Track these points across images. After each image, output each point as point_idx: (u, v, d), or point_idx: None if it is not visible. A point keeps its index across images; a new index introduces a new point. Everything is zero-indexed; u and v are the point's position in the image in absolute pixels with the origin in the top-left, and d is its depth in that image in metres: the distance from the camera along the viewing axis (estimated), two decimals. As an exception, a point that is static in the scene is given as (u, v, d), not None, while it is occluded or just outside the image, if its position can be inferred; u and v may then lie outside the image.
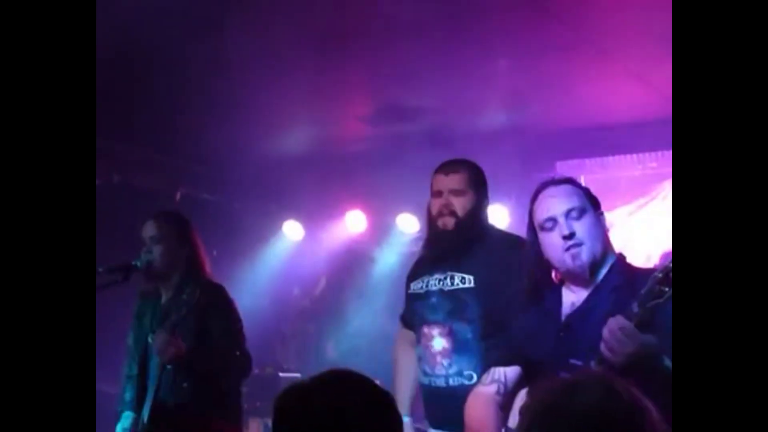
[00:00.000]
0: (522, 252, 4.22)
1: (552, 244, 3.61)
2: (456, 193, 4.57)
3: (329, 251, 10.01)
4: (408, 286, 4.83)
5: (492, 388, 3.78)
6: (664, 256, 3.67)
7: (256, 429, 8.76)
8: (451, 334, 4.52)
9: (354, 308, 9.84)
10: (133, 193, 8.75)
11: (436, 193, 4.62)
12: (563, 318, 3.63)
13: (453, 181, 4.59)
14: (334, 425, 2.40)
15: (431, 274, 4.66)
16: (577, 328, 3.52)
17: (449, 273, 4.58)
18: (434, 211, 4.61)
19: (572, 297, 3.66)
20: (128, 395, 5.21)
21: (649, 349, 3.17)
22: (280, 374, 9.29)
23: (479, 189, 4.63)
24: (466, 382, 4.37)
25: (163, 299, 5.24)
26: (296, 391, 2.51)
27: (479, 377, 4.06)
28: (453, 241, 4.56)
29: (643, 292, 3.21)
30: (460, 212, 4.56)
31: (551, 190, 3.70)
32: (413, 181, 8.38)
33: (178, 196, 9.26)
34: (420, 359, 4.66)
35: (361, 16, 6.30)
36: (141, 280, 5.28)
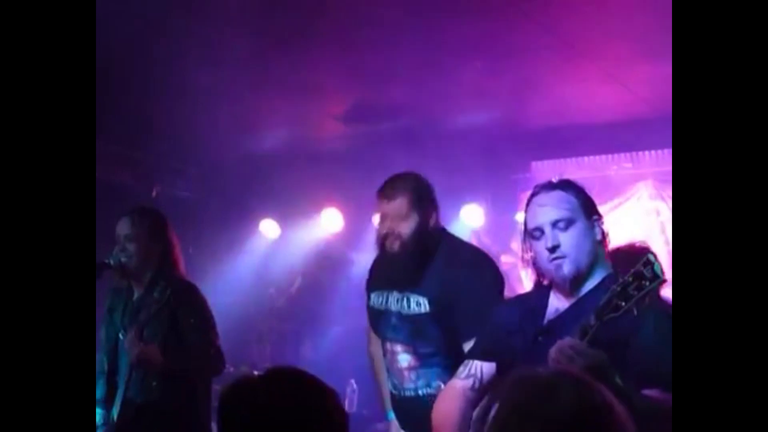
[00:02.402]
0: (480, 267, 4.37)
1: (539, 252, 3.60)
2: (399, 218, 4.53)
3: (305, 250, 10.01)
4: (368, 296, 4.85)
5: (467, 383, 3.80)
6: (612, 253, 3.63)
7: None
8: (415, 352, 4.55)
9: (330, 307, 9.84)
10: (109, 190, 8.72)
11: (381, 217, 4.62)
12: (545, 321, 3.62)
13: (393, 207, 4.55)
14: (278, 423, 2.41)
15: (390, 290, 4.67)
16: (557, 335, 3.45)
17: (406, 294, 4.58)
18: (381, 232, 4.61)
19: (557, 302, 3.64)
20: (99, 392, 5.18)
21: (599, 367, 3.13)
22: (255, 373, 9.26)
23: (423, 207, 4.57)
24: (435, 392, 4.36)
25: (135, 296, 5.21)
26: (241, 387, 2.53)
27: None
28: (402, 263, 4.55)
29: (600, 304, 3.22)
30: (404, 235, 4.52)
31: (542, 198, 3.66)
32: (389, 180, 8.43)
33: (155, 193, 9.25)
34: (388, 371, 4.69)
35: (337, 15, 6.31)
36: (114, 277, 5.25)
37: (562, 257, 3.55)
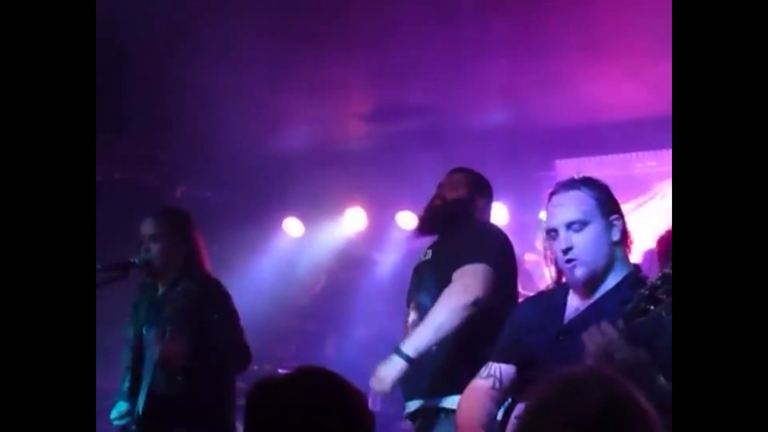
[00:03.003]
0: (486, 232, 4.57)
1: (557, 252, 3.60)
2: (452, 187, 4.91)
3: (329, 248, 10.02)
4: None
5: (488, 382, 3.80)
6: (646, 255, 3.60)
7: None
8: (417, 307, 4.63)
9: (354, 307, 9.85)
10: (134, 190, 8.77)
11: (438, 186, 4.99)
12: (565, 321, 3.61)
13: (452, 179, 4.97)
14: (304, 422, 2.42)
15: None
16: (578, 335, 3.41)
17: (425, 250, 4.86)
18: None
19: (576, 302, 3.63)
20: (125, 386, 5.23)
21: (639, 360, 3.12)
22: (279, 371, 9.31)
23: (476, 190, 4.92)
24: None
25: (160, 291, 5.25)
26: (268, 385, 2.55)
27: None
28: (431, 220, 4.90)
29: (628, 307, 3.19)
30: (449, 199, 4.87)
31: (559, 198, 3.65)
32: (412, 178, 8.42)
33: (179, 192, 9.28)
34: None
35: (360, 14, 6.33)
36: (140, 276, 5.30)
37: (575, 260, 3.54)
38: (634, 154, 8.67)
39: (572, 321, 3.58)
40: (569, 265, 3.55)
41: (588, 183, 3.66)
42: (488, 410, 3.76)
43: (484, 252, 4.47)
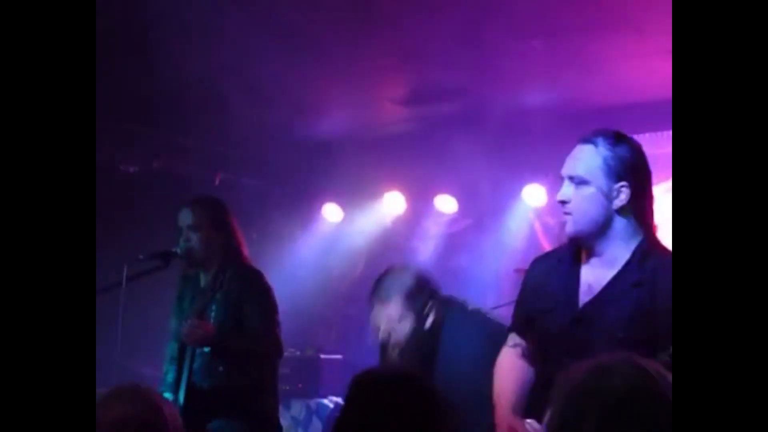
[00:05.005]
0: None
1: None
2: (394, 322, 4.58)
3: (368, 233, 10.04)
4: None
5: (516, 350, 3.85)
6: None
7: (297, 410, 8.83)
8: None
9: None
10: (173, 178, 8.83)
11: (374, 321, 4.68)
12: (579, 304, 3.58)
13: (388, 311, 4.60)
14: (390, 420, 2.59)
15: None
16: (592, 320, 3.47)
17: None
18: (381, 337, 4.64)
19: (590, 277, 3.59)
20: (169, 377, 5.30)
21: None
22: (322, 356, 9.36)
23: (418, 305, 4.58)
24: None
25: (202, 283, 5.30)
26: (370, 379, 2.71)
27: None
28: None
29: None
30: (402, 342, 4.55)
31: (576, 149, 3.63)
32: (450, 162, 8.44)
33: (218, 180, 9.34)
34: None
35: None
36: (182, 265, 5.35)
37: (569, 214, 3.55)
38: (670, 133, 8.60)
39: (586, 306, 3.55)
40: (564, 218, 3.57)
41: (608, 140, 3.58)
42: (522, 376, 3.79)
43: None
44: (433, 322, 4.50)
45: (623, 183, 3.52)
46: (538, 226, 9.17)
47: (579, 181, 3.53)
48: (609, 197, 3.52)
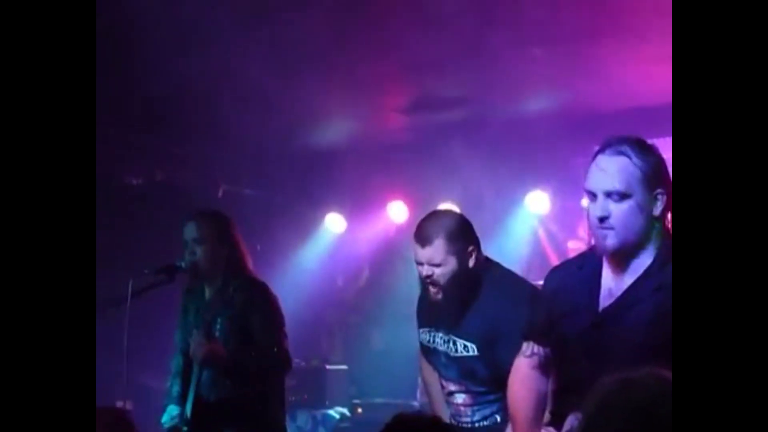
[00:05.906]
0: (523, 302, 4.15)
1: (591, 216, 3.47)
2: (435, 265, 4.40)
3: (371, 242, 10.05)
4: (418, 324, 4.79)
5: (533, 361, 3.81)
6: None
7: (303, 421, 8.82)
8: (468, 391, 4.50)
9: (398, 300, 9.86)
10: (176, 190, 8.83)
11: (417, 263, 4.49)
12: (600, 309, 3.53)
13: (428, 254, 4.41)
14: None
15: (436, 328, 4.58)
16: (612, 325, 3.43)
17: (452, 336, 4.49)
18: (421, 275, 4.49)
19: (610, 281, 3.54)
20: (174, 390, 5.30)
21: None
22: (327, 366, 9.35)
23: (461, 247, 4.42)
24: (490, 424, 4.43)
25: (207, 296, 5.30)
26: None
27: (503, 418, 4.20)
28: (445, 308, 4.46)
29: None
30: (442, 282, 4.40)
31: (604, 160, 3.46)
32: (453, 170, 8.46)
33: (221, 192, 9.34)
34: (446, 401, 4.65)
35: (395, 7, 6.34)
36: (186, 279, 5.35)
37: (610, 229, 3.42)
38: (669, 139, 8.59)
39: (606, 311, 3.50)
40: (602, 233, 3.43)
41: (639, 150, 3.47)
42: (537, 387, 3.78)
43: None
44: (475, 264, 4.46)
45: (659, 190, 3.45)
46: (542, 233, 9.18)
47: (620, 195, 3.42)
48: (649, 207, 3.44)
